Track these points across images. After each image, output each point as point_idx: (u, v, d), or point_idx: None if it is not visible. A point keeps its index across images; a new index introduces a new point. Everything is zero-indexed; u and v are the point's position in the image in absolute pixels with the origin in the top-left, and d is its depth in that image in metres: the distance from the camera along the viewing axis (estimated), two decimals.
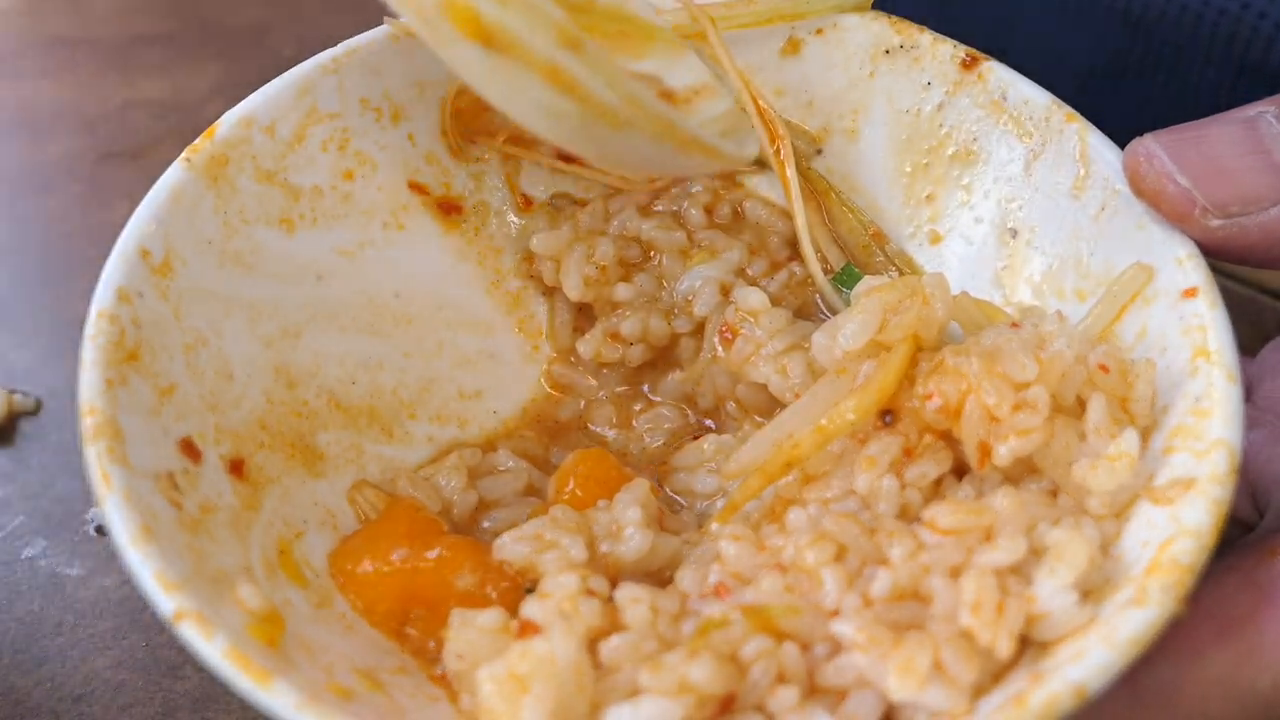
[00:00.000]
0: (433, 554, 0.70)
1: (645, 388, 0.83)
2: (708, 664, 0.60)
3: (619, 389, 0.83)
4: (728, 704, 0.60)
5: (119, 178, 1.18)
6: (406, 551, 0.70)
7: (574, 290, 0.81)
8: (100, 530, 0.92)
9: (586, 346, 0.82)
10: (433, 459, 0.79)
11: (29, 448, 0.97)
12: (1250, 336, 0.82)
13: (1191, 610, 0.60)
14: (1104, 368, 0.66)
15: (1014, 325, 0.69)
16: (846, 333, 0.68)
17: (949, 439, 0.68)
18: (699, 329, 0.81)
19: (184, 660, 0.85)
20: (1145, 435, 0.66)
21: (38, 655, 0.85)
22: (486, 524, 0.76)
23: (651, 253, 0.82)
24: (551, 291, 0.84)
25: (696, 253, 0.82)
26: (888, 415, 0.68)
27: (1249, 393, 0.80)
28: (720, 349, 0.77)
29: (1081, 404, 0.66)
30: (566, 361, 0.84)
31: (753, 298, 0.77)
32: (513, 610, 0.65)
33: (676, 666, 0.60)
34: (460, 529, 0.75)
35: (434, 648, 0.68)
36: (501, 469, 0.78)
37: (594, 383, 0.83)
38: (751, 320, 0.77)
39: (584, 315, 0.84)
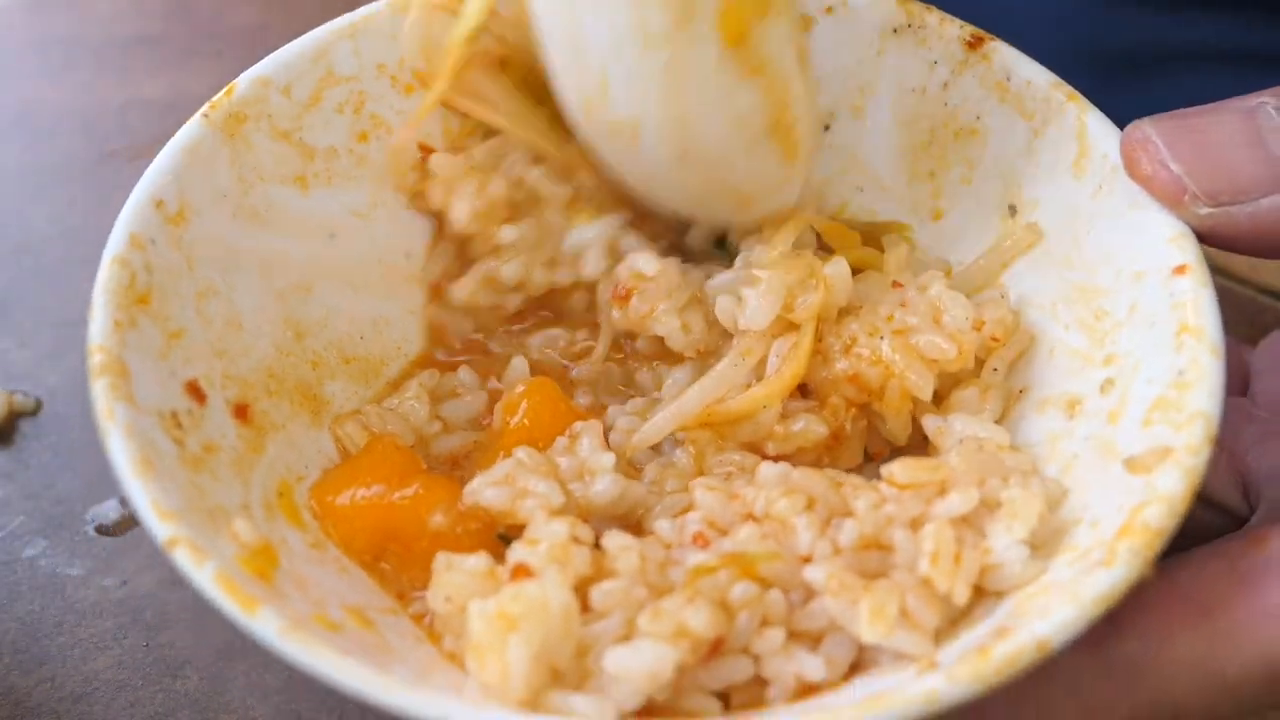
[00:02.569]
0: (409, 491, 0.71)
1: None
2: (703, 609, 0.62)
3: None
4: (716, 647, 0.62)
5: (119, 178, 1.17)
6: (384, 487, 0.71)
7: (461, 218, 0.79)
8: (100, 530, 0.92)
9: (461, 290, 0.80)
10: (394, 383, 0.80)
11: (29, 448, 0.97)
12: (1248, 335, 0.85)
13: (1170, 591, 0.62)
14: (995, 339, 0.74)
15: (896, 285, 0.76)
16: (750, 313, 0.73)
17: (865, 409, 0.74)
18: (578, 286, 0.80)
19: (184, 660, 0.85)
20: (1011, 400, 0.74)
21: (38, 655, 0.85)
22: (444, 445, 0.77)
23: (538, 201, 0.81)
24: (437, 217, 0.82)
25: (583, 208, 0.81)
26: (803, 387, 0.74)
27: (1246, 385, 0.82)
28: (616, 311, 0.77)
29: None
30: (443, 302, 0.82)
31: (644, 261, 0.77)
32: (483, 549, 0.67)
33: (675, 612, 0.62)
34: (436, 462, 0.76)
35: (409, 585, 0.70)
36: (462, 389, 0.79)
37: (470, 325, 0.82)
38: (647, 280, 0.76)
39: (463, 254, 0.82)
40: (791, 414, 0.73)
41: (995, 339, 0.74)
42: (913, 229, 0.83)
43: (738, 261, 0.77)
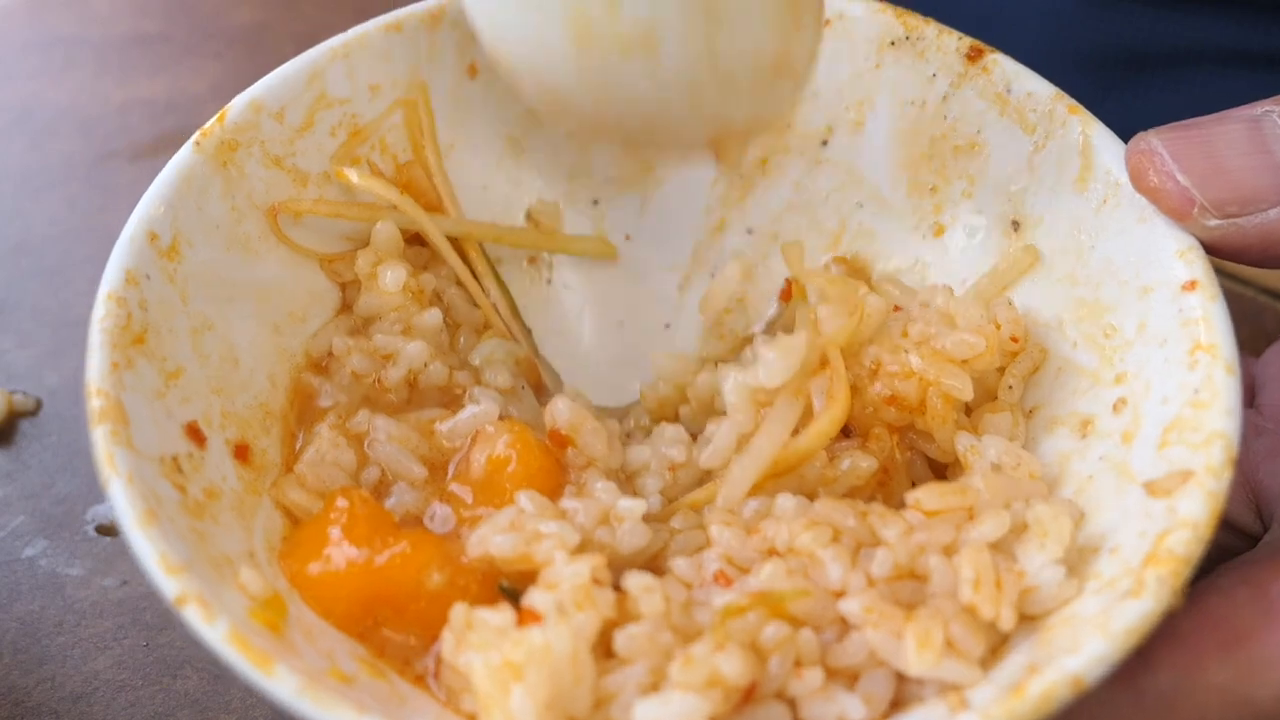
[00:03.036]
0: (395, 551, 0.66)
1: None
2: (736, 655, 0.60)
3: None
4: (750, 694, 0.61)
5: (119, 178, 1.17)
6: (366, 551, 0.66)
7: (390, 287, 0.76)
8: (100, 530, 0.92)
9: (342, 343, 0.76)
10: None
11: (29, 448, 0.97)
12: (1250, 336, 0.83)
13: (1199, 620, 0.62)
14: (1015, 339, 0.72)
15: (896, 309, 0.74)
16: (766, 370, 0.69)
17: (897, 429, 0.72)
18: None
19: (184, 660, 0.85)
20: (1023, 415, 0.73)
21: (38, 655, 0.85)
22: (388, 501, 0.72)
23: (451, 317, 0.80)
24: (345, 287, 0.80)
25: (487, 330, 0.80)
26: (844, 427, 0.72)
27: (1252, 396, 0.81)
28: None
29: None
30: (317, 369, 0.77)
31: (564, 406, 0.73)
32: (484, 604, 0.64)
33: (706, 659, 0.60)
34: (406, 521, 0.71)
35: (413, 645, 0.66)
36: (383, 435, 0.74)
37: (343, 399, 0.76)
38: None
39: (363, 332, 0.79)
40: (837, 455, 0.71)
41: (1015, 339, 0.72)
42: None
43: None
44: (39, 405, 1.00)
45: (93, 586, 0.89)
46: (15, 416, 0.99)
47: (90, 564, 0.90)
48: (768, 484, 0.70)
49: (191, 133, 0.75)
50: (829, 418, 0.69)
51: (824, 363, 0.71)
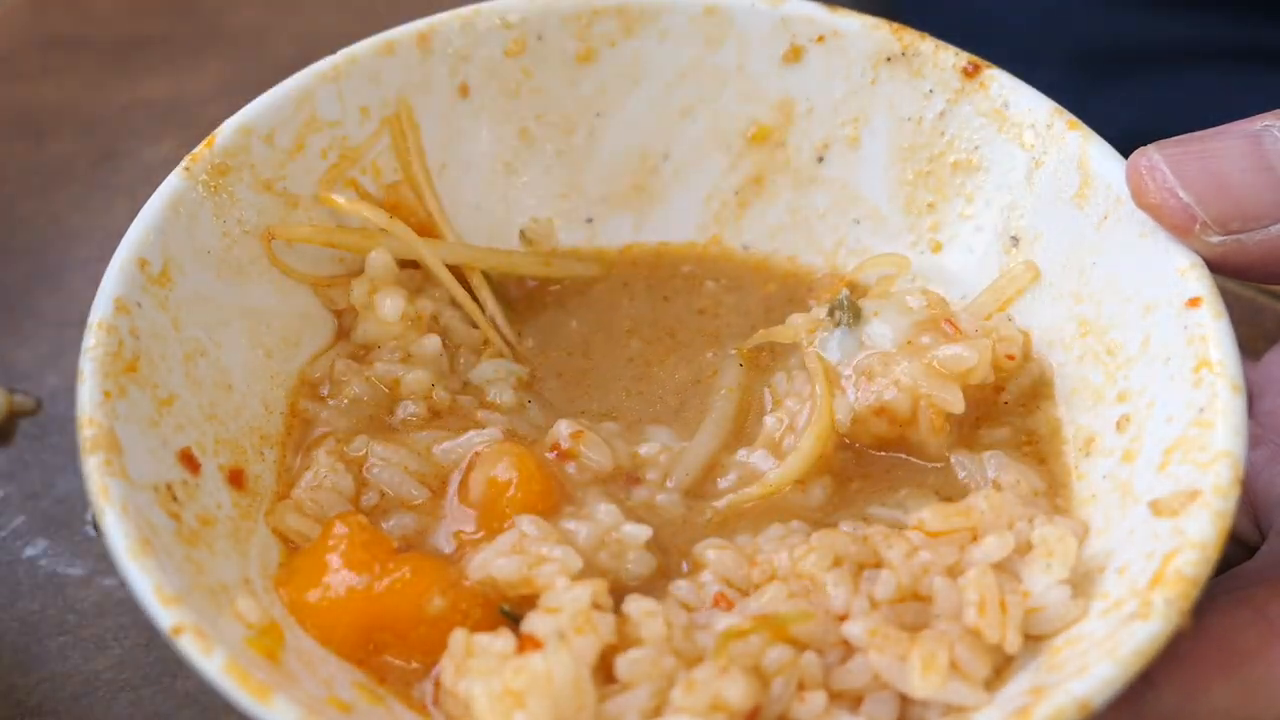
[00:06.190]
0: (397, 576, 0.66)
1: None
2: (739, 679, 0.60)
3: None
4: (752, 717, 0.61)
5: (119, 178, 1.17)
6: (366, 577, 0.66)
7: (390, 316, 0.76)
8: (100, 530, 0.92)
9: (344, 367, 0.76)
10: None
11: (29, 448, 0.96)
12: (1248, 335, 0.81)
13: (1201, 640, 0.61)
14: (1011, 356, 0.72)
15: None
16: None
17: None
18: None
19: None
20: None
21: (38, 655, 0.85)
22: (387, 525, 0.71)
23: (449, 339, 0.79)
24: (340, 314, 0.80)
25: (487, 348, 0.80)
26: None
27: (1250, 404, 0.79)
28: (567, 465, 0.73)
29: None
30: (314, 395, 0.77)
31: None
32: (485, 628, 0.64)
33: (709, 683, 0.60)
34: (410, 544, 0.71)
35: (414, 669, 0.66)
36: (382, 460, 0.73)
37: (343, 424, 0.76)
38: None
39: (361, 359, 0.79)
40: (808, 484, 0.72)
41: (1010, 356, 0.72)
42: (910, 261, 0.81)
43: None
44: (39, 405, 1.00)
45: (93, 586, 0.88)
46: (15, 416, 0.98)
47: (90, 564, 0.89)
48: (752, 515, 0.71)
49: (192, 133, 0.75)
50: (799, 456, 0.71)
51: None
